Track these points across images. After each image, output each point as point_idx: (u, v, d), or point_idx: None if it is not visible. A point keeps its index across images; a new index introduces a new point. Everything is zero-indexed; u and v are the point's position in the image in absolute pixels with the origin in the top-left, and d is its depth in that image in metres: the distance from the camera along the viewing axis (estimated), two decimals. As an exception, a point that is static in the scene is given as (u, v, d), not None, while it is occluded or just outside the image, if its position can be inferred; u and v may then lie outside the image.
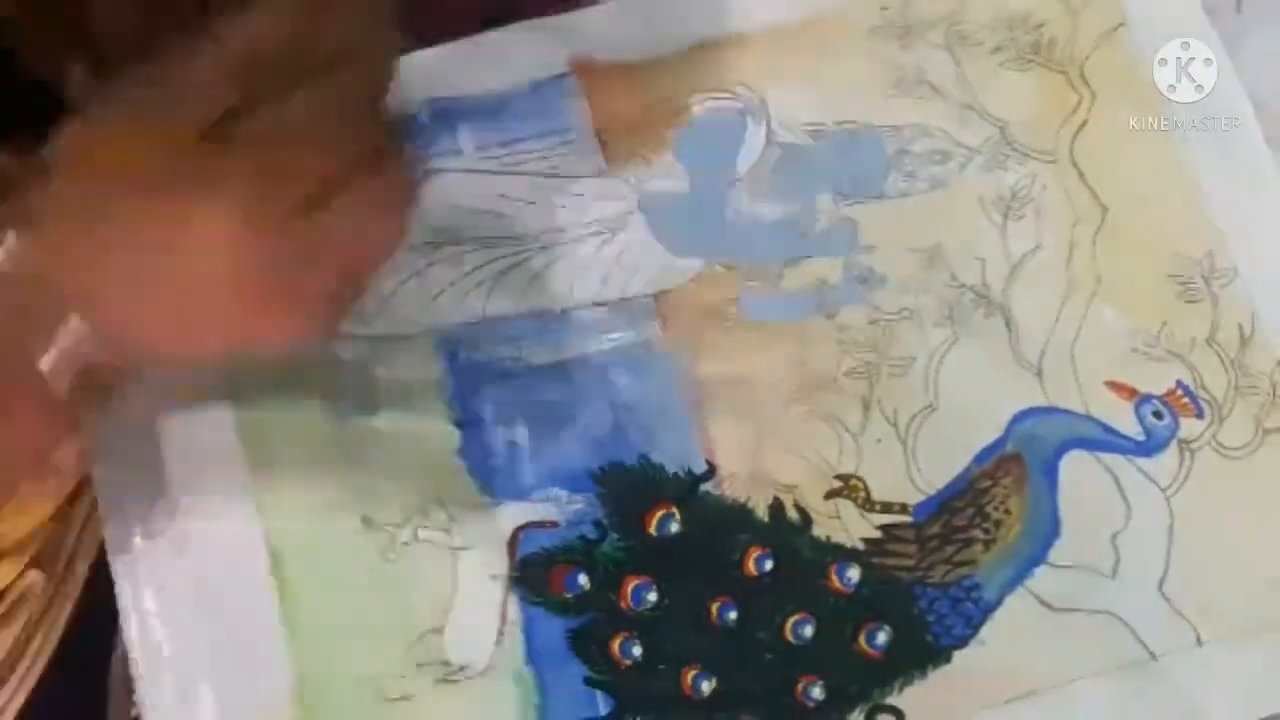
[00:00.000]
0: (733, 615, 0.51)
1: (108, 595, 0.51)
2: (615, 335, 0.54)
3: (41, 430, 0.42)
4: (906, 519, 0.52)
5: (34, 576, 0.54)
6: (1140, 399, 0.53)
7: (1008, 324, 0.54)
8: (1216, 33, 0.57)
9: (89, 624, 0.55)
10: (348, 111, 0.41)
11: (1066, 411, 0.53)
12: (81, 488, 0.54)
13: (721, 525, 0.52)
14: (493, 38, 0.57)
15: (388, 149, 0.42)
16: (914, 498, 0.52)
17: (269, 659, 0.49)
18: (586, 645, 0.50)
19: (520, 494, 0.52)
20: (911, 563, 0.51)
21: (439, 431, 0.52)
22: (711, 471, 0.52)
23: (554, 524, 0.52)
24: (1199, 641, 0.51)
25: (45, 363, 0.39)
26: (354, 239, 0.41)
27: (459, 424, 0.53)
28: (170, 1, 0.48)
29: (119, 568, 0.50)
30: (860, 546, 0.52)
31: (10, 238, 0.39)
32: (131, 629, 0.50)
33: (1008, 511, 0.52)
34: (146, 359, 0.45)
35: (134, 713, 0.51)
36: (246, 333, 0.41)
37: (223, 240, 0.38)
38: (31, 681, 0.54)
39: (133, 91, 0.40)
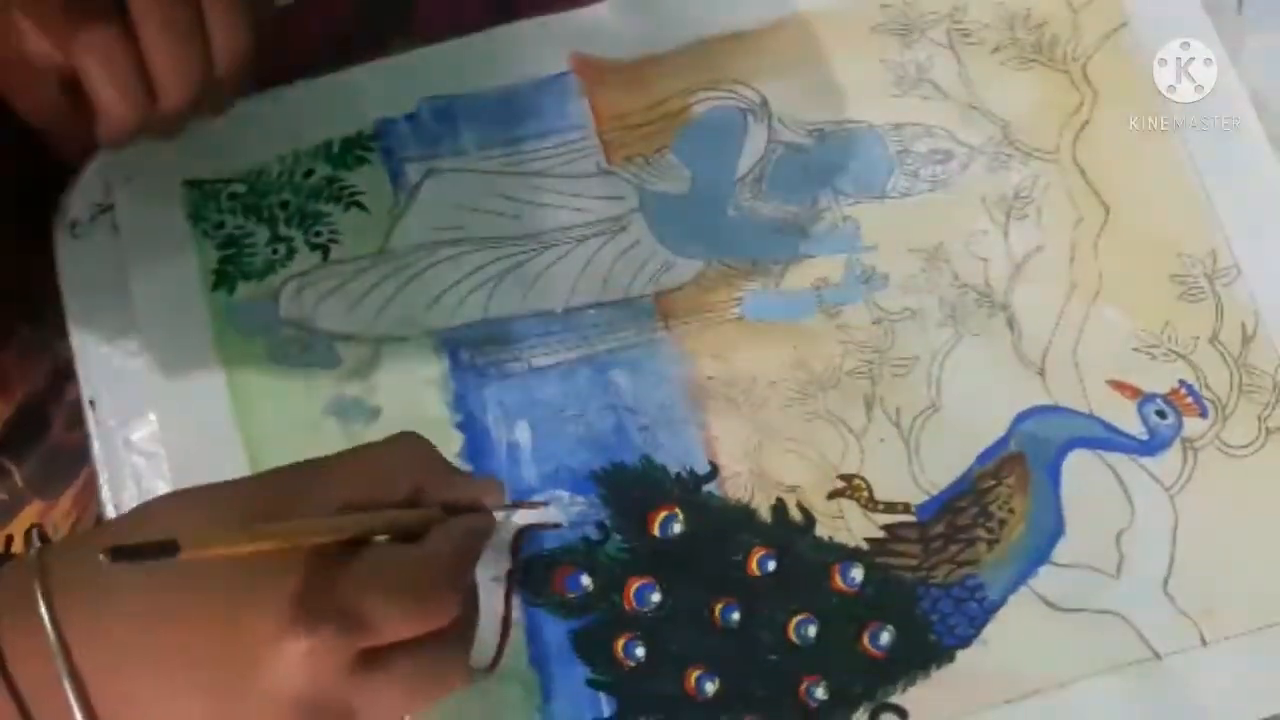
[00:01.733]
0: (736, 616, 0.51)
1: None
2: (617, 336, 0.54)
3: None
4: (910, 519, 0.52)
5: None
6: (1143, 398, 0.53)
7: (1010, 324, 0.54)
8: (1217, 33, 0.57)
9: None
10: (440, 578, 0.40)
11: (1070, 411, 0.53)
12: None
13: (724, 526, 0.52)
14: (494, 37, 0.57)
15: (463, 616, 0.41)
16: (917, 497, 0.52)
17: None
18: (589, 646, 0.50)
19: (523, 495, 0.52)
20: (915, 562, 0.51)
21: (441, 433, 0.52)
22: (714, 472, 0.52)
23: (556, 525, 0.51)
24: (1203, 641, 0.51)
25: None
26: (400, 703, 0.39)
27: (461, 425, 0.52)
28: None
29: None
30: (863, 546, 0.52)
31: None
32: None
33: (1011, 511, 0.52)
34: None
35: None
36: None
37: (293, 669, 0.36)
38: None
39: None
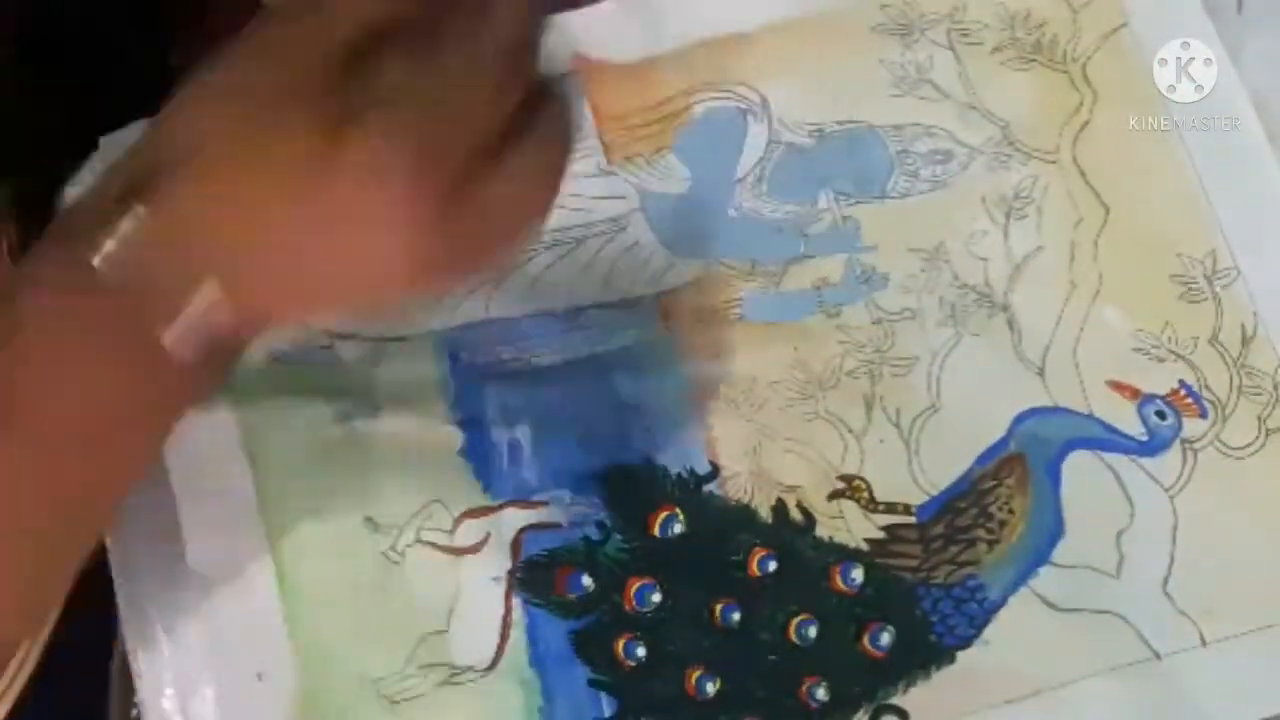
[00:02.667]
0: (736, 616, 0.51)
1: (107, 594, 0.50)
2: (617, 336, 0.54)
3: (164, 400, 0.38)
4: (910, 519, 0.52)
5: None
6: (1143, 399, 0.53)
7: (1010, 324, 0.54)
8: (1217, 33, 0.57)
9: (89, 624, 0.55)
10: (504, 55, 0.37)
11: (1070, 411, 0.53)
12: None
13: (725, 526, 0.52)
14: (493, 37, 0.57)
15: (544, 99, 0.38)
16: (917, 498, 0.52)
17: (271, 660, 0.49)
18: (590, 646, 0.50)
19: (523, 495, 0.52)
20: (915, 563, 0.51)
21: (441, 432, 0.52)
22: (715, 472, 0.52)
23: (557, 525, 0.51)
24: (1203, 641, 0.51)
25: (169, 336, 0.36)
26: (518, 205, 0.38)
27: (461, 425, 0.52)
28: None
29: (117, 564, 0.50)
30: (863, 547, 0.52)
31: (141, 210, 0.35)
32: (131, 629, 0.50)
33: (1011, 511, 0.52)
34: (284, 324, 0.41)
35: (134, 713, 0.50)
36: (402, 297, 0.39)
37: (389, 217, 0.35)
38: (24, 677, 0.54)
39: (259, 27, 0.37)
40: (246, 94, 0.36)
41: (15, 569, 0.37)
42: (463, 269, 0.39)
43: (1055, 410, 0.53)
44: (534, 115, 0.38)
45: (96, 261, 0.35)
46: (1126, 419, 0.53)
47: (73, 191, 0.49)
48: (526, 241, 0.42)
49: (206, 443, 0.52)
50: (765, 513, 0.52)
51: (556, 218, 0.55)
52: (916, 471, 0.52)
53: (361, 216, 0.36)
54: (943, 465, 0.52)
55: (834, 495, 0.52)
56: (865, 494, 0.52)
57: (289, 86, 0.36)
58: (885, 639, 0.51)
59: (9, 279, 0.37)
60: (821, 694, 0.50)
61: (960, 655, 0.50)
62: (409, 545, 0.51)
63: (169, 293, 0.36)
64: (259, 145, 0.36)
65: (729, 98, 0.57)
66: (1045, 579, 0.51)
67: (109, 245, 0.35)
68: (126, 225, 0.35)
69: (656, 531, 0.52)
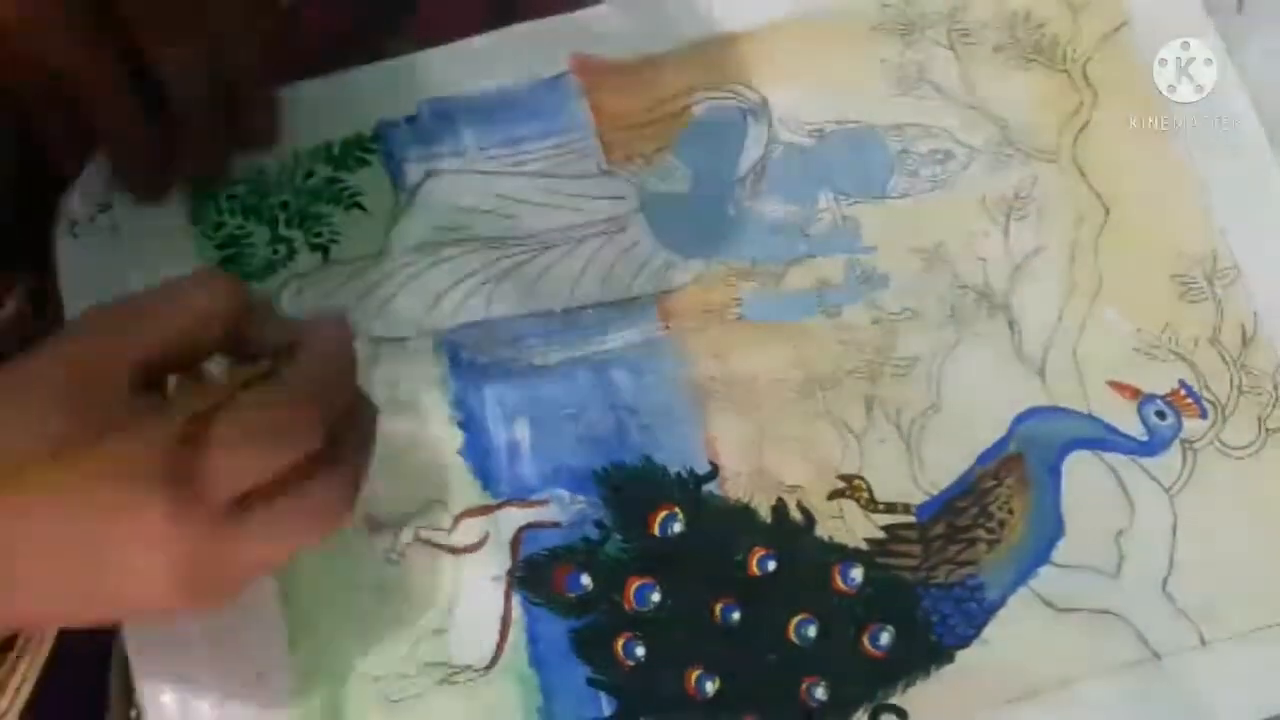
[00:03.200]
0: (736, 616, 0.51)
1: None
2: (617, 336, 0.54)
3: None
4: (910, 519, 0.52)
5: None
6: (1143, 399, 0.53)
7: (1010, 324, 0.54)
8: (1217, 33, 0.57)
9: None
10: (297, 403, 0.39)
11: (1070, 411, 0.53)
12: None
13: (724, 526, 0.52)
14: (493, 38, 0.57)
15: (337, 450, 0.40)
16: (917, 498, 0.52)
17: (271, 660, 0.49)
18: (589, 646, 0.50)
19: (523, 494, 0.52)
20: (915, 563, 0.51)
21: (441, 432, 0.52)
22: (714, 472, 0.52)
23: (556, 524, 0.51)
24: (1202, 641, 0.51)
25: None
26: (279, 543, 0.40)
27: (461, 424, 0.52)
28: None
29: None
30: (864, 547, 0.52)
31: None
32: (131, 629, 0.50)
33: (1011, 511, 0.52)
34: (42, 628, 0.43)
35: (134, 713, 0.50)
36: (161, 613, 0.41)
37: (156, 535, 0.36)
38: (33, 678, 0.54)
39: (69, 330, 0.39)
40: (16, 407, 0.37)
41: None
42: (224, 591, 0.40)
43: (1055, 410, 0.53)
44: (319, 465, 0.39)
45: None
46: (1126, 419, 0.53)
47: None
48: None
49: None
50: (765, 512, 0.52)
51: (557, 218, 0.55)
52: (916, 471, 0.52)
53: (118, 536, 0.37)
54: (943, 465, 0.52)
55: (834, 495, 0.52)
56: (865, 494, 0.52)
57: (61, 398, 0.37)
58: (885, 639, 0.51)
59: None
60: (821, 693, 0.50)
61: (960, 655, 0.50)
62: (408, 544, 0.51)
63: None
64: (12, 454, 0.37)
65: (729, 98, 0.57)
66: (1045, 579, 0.51)
67: None
68: None
69: (656, 531, 0.52)
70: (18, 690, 0.51)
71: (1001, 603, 0.51)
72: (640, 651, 0.50)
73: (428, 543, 0.51)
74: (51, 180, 0.55)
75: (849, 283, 0.55)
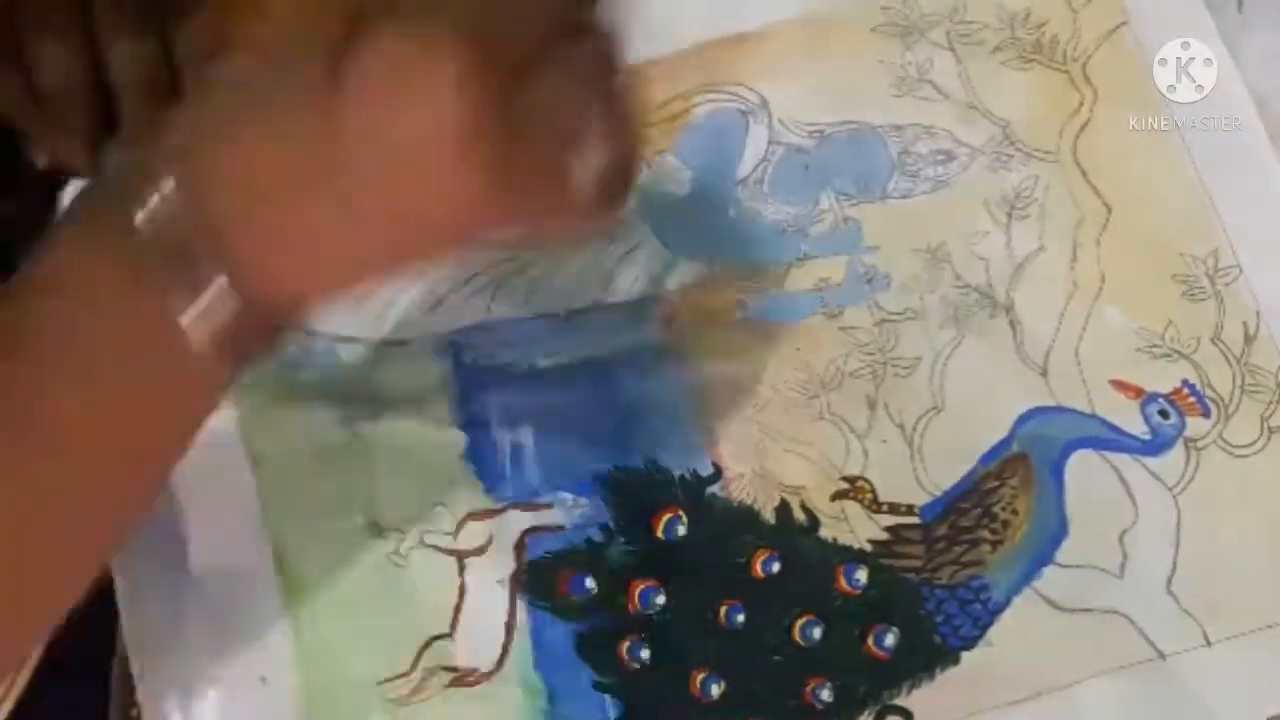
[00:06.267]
0: (740, 617, 0.51)
1: (108, 595, 0.50)
2: (619, 338, 0.54)
3: (182, 399, 0.37)
4: (913, 520, 0.52)
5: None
6: (1146, 398, 0.53)
7: (1013, 324, 0.54)
8: (1217, 33, 0.57)
9: (89, 624, 0.55)
10: None
11: (1073, 411, 0.53)
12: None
13: (728, 527, 0.52)
14: (494, 39, 0.57)
15: (587, 14, 0.35)
16: (921, 499, 0.52)
17: (274, 664, 0.49)
18: (594, 649, 0.50)
19: (526, 498, 0.51)
20: (919, 564, 0.51)
21: (444, 435, 0.52)
22: (717, 474, 0.52)
23: (560, 528, 0.51)
24: (1207, 641, 0.51)
25: (188, 317, 0.34)
26: (567, 116, 0.34)
27: (464, 427, 0.52)
28: None
29: (118, 564, 0.50)
30: (867, 548, 0.52)
31: (169, 184, 0.34)
32: (131, 630, 0.50)
33: (1015, 512, 0.52)
34: (322, 299, 0.37)
35: (134, 713, 0.50)
36: (461, 239, 0.35)
37: (420, 134, 0.32)
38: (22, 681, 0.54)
39: None
40: (248, 53, 0.34)
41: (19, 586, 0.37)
42: (529, 193, 0.34)
43: (1058, 410, 0.53)
44: (579, 27, 0.35)
45: (136, 223, 0.34)
46: (1129, 418, 0.53)
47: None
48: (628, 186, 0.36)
49: (209, 446, 0.51)
50: (769, 514, 0.52)
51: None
52: (920, 472, 0.52)
53: (386, 139, 0.33)
54: (946, 466, 0.52)
55: (837, 496, 0.52)
56: (869, 495, 0.52)
57: (287, 31, 0.33)
58: (890, 640, 0.51)
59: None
60: (826, 695, 0.50)
61: (964, 656, 0.50)
62: (412, 548, 0.51)
63: (188, 278, 0.34)
64: (260, 102, 0.34)
65: (729, 99, 0.57)
66: (1049, 579, 0.51)
67: (139, 216, 0.34)
68: (154, 202, 0.34)
69: (660, 533, 0.51)
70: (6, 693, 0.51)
71: (1006, 603, 0.51)
72: (645, 654, 0.50)
73: (431, 547, 0.51)
74: (51, 179, 0.55)
75: (850, 283, 0.55)
